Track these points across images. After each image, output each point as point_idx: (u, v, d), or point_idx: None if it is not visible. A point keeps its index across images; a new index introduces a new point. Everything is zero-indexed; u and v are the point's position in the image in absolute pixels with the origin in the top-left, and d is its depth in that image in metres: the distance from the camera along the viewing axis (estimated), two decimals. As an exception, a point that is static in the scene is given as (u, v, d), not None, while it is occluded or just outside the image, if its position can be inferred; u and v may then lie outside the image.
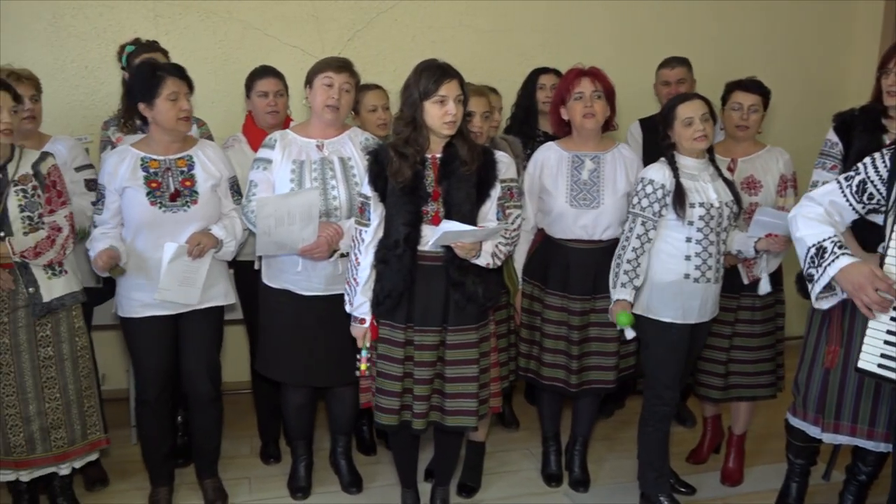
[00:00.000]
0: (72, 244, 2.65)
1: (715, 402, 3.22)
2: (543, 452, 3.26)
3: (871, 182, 2.26)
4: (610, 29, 4.26)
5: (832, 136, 2.81)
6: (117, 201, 2.69)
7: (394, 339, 2.57)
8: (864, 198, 2.28)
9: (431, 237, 2.47)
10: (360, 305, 2.58)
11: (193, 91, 2.72)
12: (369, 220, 2.54)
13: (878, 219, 2.33)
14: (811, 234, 2.25)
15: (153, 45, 3.15)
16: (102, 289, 3.06)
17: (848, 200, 2.29)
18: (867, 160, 2.29)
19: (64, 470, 2.75)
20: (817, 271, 2.22)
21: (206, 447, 2.98)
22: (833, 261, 2.18)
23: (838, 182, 2.32)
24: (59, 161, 2.71)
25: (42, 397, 2.65)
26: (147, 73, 2.64)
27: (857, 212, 2.31)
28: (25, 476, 2.70)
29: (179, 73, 2.67)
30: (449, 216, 2.48)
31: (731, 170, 2.95)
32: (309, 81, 2.77)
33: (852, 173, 2.30)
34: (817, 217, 2.27)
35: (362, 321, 2.59)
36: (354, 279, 2.59)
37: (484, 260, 2.53)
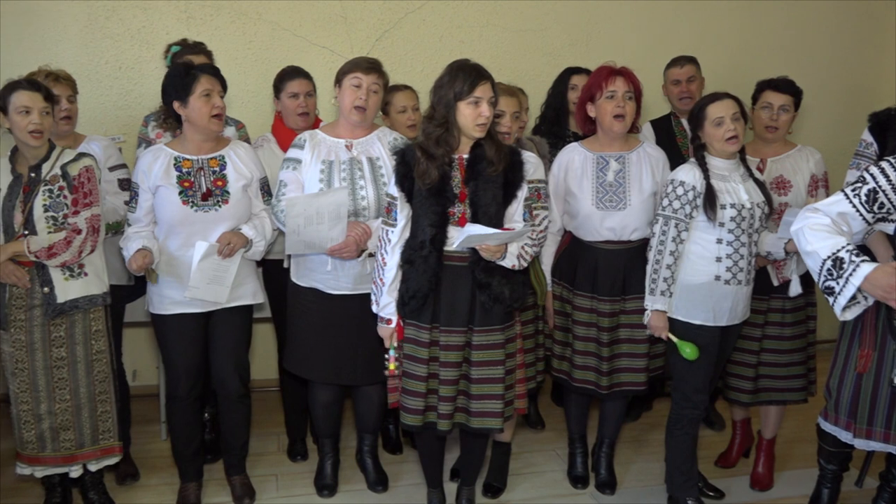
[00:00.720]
0: (90, 247, 2.65)
1: (745, 406, 3.18)
2: (570, 454, 3.24)
3: (883, 191, 2.21)
4: (637, 29, 4.23)
5: (867, 137, 2.76)
6: (150, 200, 2.73)
7: (419, 339, 2.57)
8: (875, 207, 2.22)
9: (456, 239, 2.47)
10: (385, 305, 2.59)
11: (226, 90, 2.76)
12: (396, 220, 2.55)
13: (887, 227, 2.29)
14: (823, 247, 2.18)
15: (199, 47, 3.18)
16: (134, 286, 3.10)
17: (857, 209, 2.24)
18: (875, 169, 2.24)
19: (74, 472, 2.77)
20: (838, 283, 2.16)
21: (234, 444, 3.01)
22: (854, 270, 2.12)
23: (844, 192, 2.27)
24: None
25: (53, 397, 2.67)
26: (181, 73, 2.68)
27: (866, 221, 2.26)
28: (39, 472, 2.74)
29: (213, 71, 2.71)
30: (475, 217, 2.47)
31: (760, 170, 2.91)
32: (338, 81, 2.79)
33: (859, 183, 2.25)
34: (825, 228, 2.20)
35: (389, 321, 2.60)
36: (381, 279, 2.60)
37: (510, 262, 2.52)
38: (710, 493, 3.05)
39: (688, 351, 2.65)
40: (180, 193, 2.69)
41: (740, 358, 3.00)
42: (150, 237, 2.73)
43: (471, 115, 2.44)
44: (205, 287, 2.72)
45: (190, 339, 2.81)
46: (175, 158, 2.73)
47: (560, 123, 3.50)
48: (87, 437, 2.74)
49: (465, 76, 2.43)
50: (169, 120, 3.04)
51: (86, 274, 2.68)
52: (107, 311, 2.76)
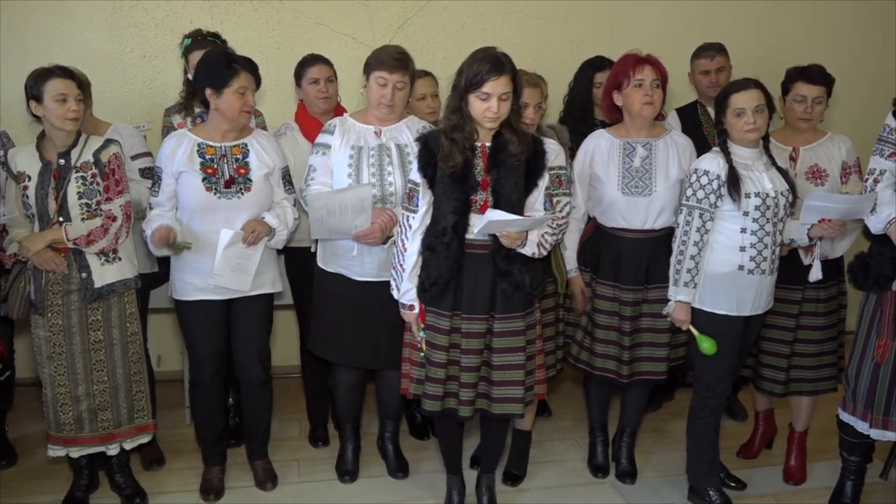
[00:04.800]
0: (125, 233, 2.70)
1: (777, 397, 3.12)
2: (590, 443, 3.24)
3: None
4: (661, 16, 4.18)
5: (891, 122, 2.70)
6: (173, 185, 2.75)
7: (439, 326, 2.58)
8: None
9: (477, 225, 2.47)
10: (407, 291, 2.60)
11: (259, 87, 2.76)
12: (417, 206, 2.55)
13: None
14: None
15: (208, 41, 3.18)
16: (158, 273, 3.13)
17: None
18: None
19: (111, 450, 2.82)
20: None
21: (256, 429, 3.05)
22: None
23: None
24: None
25: (91, 379, 2.73)
26: (222, 63, 2.67)
27: None
28: (75, 453, 2.79)
29: (251, 69, 2.71)
30: (497, 205, 2.47)
31: (793, 159, 2.88)
32: (366, 72, 2.78)
33: None
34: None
35: (411, 307, 2.61)
36: (401, 265, 2.60)
37: (530, 249, 2.52)
38: (732, 484, 3.03)
39: (706, 346, 2.64)
40: (203, 180, 2.71)
41: (775, 349, 2.96)
42: (173, 219, 2.75)
43: (480, 109, 2.42)
44: (229, 275, 2.75)
45: (212, 325, 2.84)
46: (198, 145, 2.74)
47: (586, 120, 3.42)
48: (124, 417, 2.80)
49: (479, 68, 2.38)
50: (191, 105, 3.04)
51: (120, 259, 2.72)
52: (137, 295, 2.81)
